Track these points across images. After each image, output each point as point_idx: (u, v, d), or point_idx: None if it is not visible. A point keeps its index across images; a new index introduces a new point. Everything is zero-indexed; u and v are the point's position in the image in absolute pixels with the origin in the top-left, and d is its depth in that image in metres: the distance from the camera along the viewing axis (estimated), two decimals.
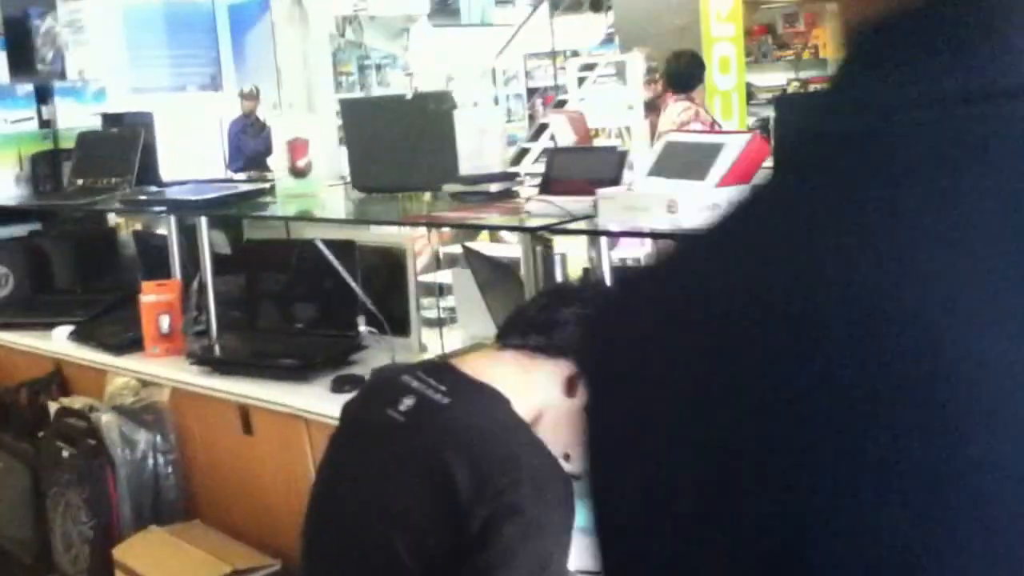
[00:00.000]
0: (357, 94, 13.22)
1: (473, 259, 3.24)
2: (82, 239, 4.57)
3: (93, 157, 4.38)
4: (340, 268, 3.28)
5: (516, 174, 3.25)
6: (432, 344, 3.47)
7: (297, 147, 3.68)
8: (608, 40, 10.97)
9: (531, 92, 12.93)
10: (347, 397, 3.04)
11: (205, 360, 3.39)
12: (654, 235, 2.38)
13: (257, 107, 9.77)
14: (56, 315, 4.23)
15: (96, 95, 4.88)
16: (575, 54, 10.88)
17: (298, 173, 3.67)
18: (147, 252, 4.19)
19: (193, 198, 3.57)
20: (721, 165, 2.40)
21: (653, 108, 7.74)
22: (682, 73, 6.78)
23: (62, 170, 4.63)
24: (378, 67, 13.46)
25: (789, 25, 10.40)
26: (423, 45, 13.25)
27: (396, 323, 3.38)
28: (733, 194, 2.39)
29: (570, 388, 1.85)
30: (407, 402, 1.82)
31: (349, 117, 3.55)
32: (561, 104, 10.13)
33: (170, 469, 3.49)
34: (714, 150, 2.43)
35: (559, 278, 2.57)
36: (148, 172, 4.28)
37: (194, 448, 3.48)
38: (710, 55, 8.10)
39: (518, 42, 12.30)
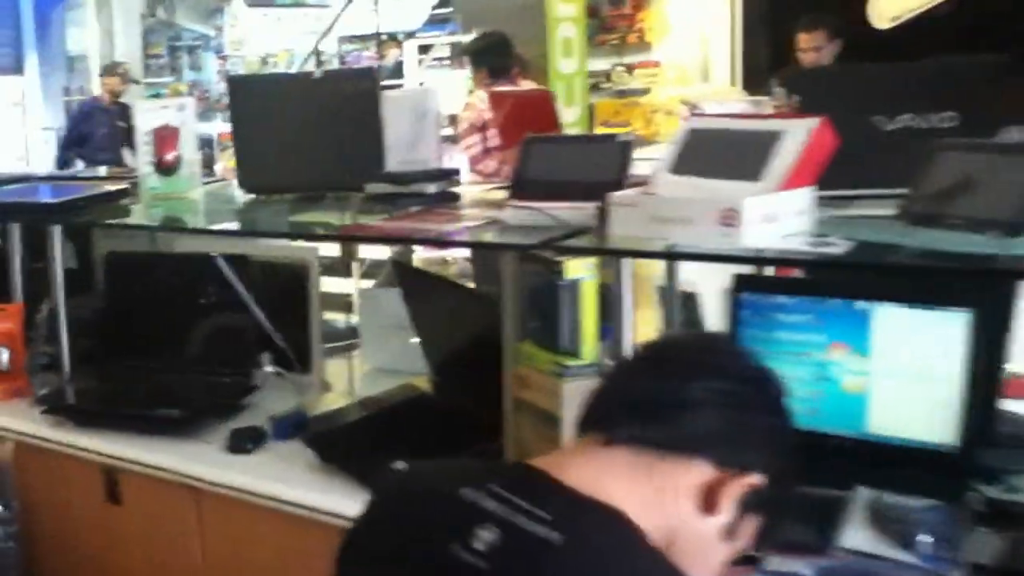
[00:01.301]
0: (167, 79, 12.33)
1: (405, 275, 2.59)
2: None
3: None
4: (240, 289, 2.60)
5: (455, 171, 2.60)
6: (336, 380, 2.83)
7: (164, 137, 2.96)
8: (436, 21, 10.36)
9: None
10: (249, 459, 2.41)
11: (58, 407, 2.66)
12: (723, 258, 1.77)
13: (126, 88, 8.79)
14: None
15: None
16: (410, 36, 10.15)
17: (166, 169, 2.95)
18: None
19: (44, 201, 2.83)
20: (781, 160, 1.81)
21: None
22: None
23: None
24: (190, 49, 12.57)
25: (614, 7, 9.98)
26: (238, 25, 12.41)
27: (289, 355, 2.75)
28: (799, 200, 1.82)
29: (709, 501, 1.24)
30: (487, 536, 1.18)
31: (238, 99, 2.85)
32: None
33: (11, 544, 2.74)
34: (768, 140, 1.84)
35: (568, 313, 1.93)
36: None
37: (43, 520, 2.76)
38: (554, 37, 7.55)
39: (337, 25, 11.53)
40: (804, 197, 1.83)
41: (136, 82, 10.20)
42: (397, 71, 9.79)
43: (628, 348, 1.99)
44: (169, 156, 2.94)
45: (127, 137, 7.95)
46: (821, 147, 1.83)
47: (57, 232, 2.85)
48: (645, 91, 8.76)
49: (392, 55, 10.49)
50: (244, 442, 2.44)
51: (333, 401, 2.70)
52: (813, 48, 5.92)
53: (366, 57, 10.98)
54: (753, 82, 7.44)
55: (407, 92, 2.65)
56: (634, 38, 9.27)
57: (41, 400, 2.75)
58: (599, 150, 2.17)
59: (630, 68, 9.27)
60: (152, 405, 2.61)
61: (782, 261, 1.73)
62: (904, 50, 6.05)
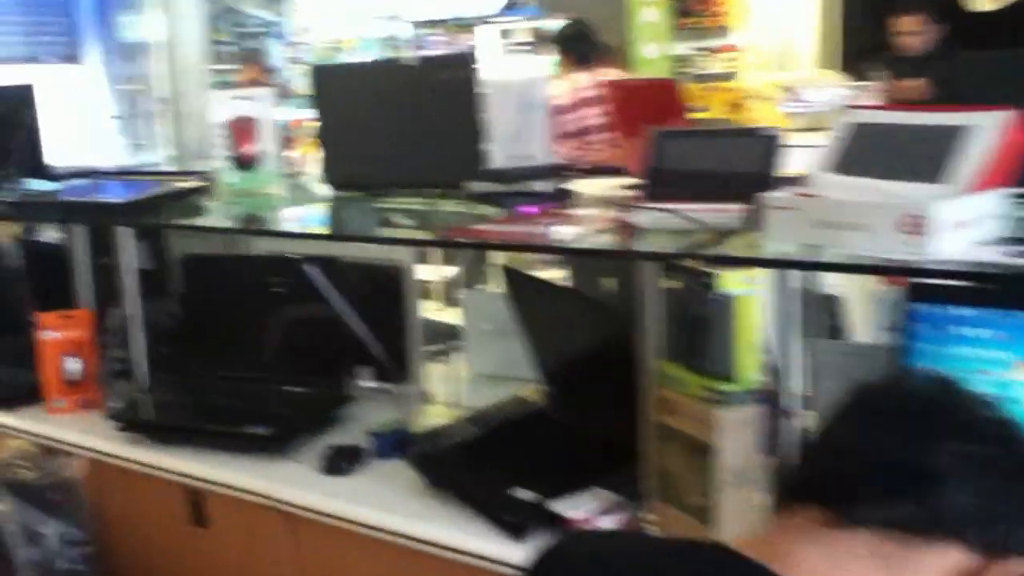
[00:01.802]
0: (233, 66, 12.11)
1: (515, 281, 2.39)
2: None
3: None
4: (333, 294, 2.42)
5: (568, 166, 2.41)
6: (436, 388, 2.65)
7: (242, 129, 2.79)
8: (512, 6, 10.14)
9: None
10: (348, 481, 2.23)
11: (136, 423, 2.49)
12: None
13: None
14: None
15: None
16: (485, 21, 9.94)
17: (244, 163, 2.78)
18: (39, 268, 3.23)
19: (113, 201, 2.65)
20: (969, 158, 1.60)
21: None
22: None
23: None
24: (256, 36, 12.36)
25: None
26: (303, 11, 12.24)
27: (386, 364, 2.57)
28: (991, 204, 1.61)
29: None
30: None
31: (322, 89, 2.66)
32: None
33: (84, 567, 2.59)
34: (951, 136, 1.64)
35: (722, 332, 1.73)
36: (31, 161, 3.31)
37: (120, 542, 2.59)
38: (636, 21, 7.35)
39: (408, 9, 11.36)
40: (997, 201, 1.63)
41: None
42: None
43: (791, 374, 1.79)
44: (248, 149, 2.76)
45: None
46: (1016, 143, 1.63)
47: (129, 234, 2.67)
48: (727, 76, 8.51)
49: (463, 41, 10.27)
50: (341, 462, 2.26)
51: (436, 414, 2.51)
52: (914, 32, 5.66)
53: (435, 43, 10.79)
54: (844, 67, 7.17)
55: (513, 81, 2.43)
56: (714, 22, 9.05)
57: (116, 415, 2.57)
58: (742, 145, 1.97)
59: (710, 52, 9.05)
60: (238, 421, 2.43)
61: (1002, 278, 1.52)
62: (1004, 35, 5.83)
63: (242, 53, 11.97)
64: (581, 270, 3.21)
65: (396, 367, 2.58)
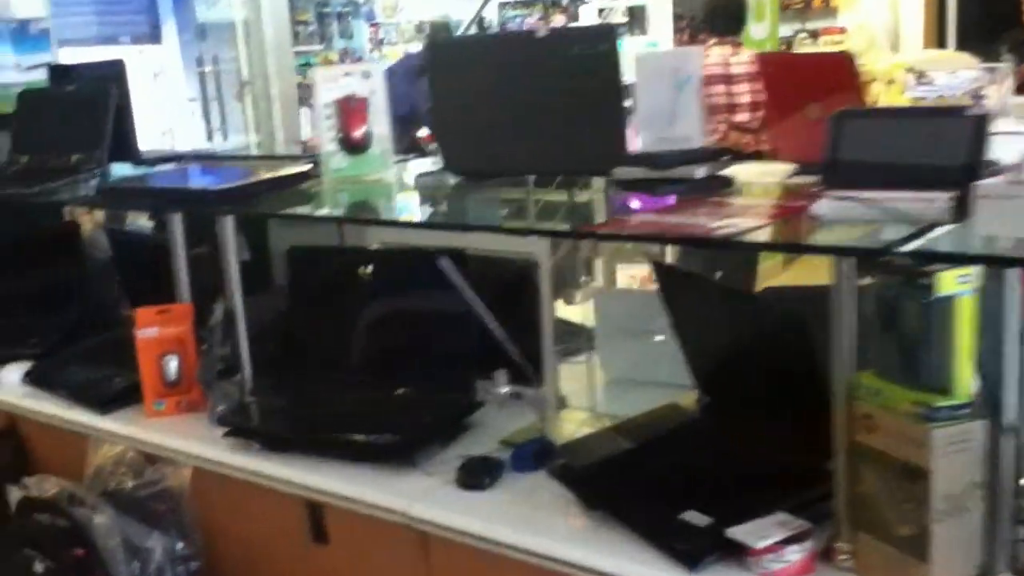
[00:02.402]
0: (317, 47, 11.96)
1: (668, 278, 2.20)
2: (30, 239, 3.43)
3: (43, 126, 3.24)
4: (465, 290, 2.25)
5: (725, 150, 2.21)
6: (569, 392, 2.46)
7: (351, 110, 2.61)
8: None
9: None
10: (485, 497, 2.06)
11: (246, 429, 2.33)
12: None
13: None
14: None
15: (35, 41, 3.72)
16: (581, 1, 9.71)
17: (353, 147, 2.60)
18: (130, 260, 3.09)
19: (215, 188, 2.48)
20: None
21: None
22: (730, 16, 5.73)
23: None
24: (339, 16, 12.18)
25: None
26: None
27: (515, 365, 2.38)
28: None
29: None
30: None
31: (441, 66, 2.48)
32: None
33: None
34: None
35: (939, 339, 1.52)
36: (121, 145, 3.15)
37: (230, 557, 2.43)
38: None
39: None
40: None
41: None
42: None
43: (1008, 385, 1.59)
44: (357, 132, 2.58)
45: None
46: None
47: (230, 223, 2.50)
48: None
49: (557, 22, 10.06)
50: (479, 476, 2.08)
51: (573, 422, 2.33)
52: None
53: (528, 24, 10.59)
54: (964, 47, 6.87)
55: (664, 55, 2.24)
56: (819, 3, 8.80)
57: (223, 420, 2.41)
58: (942, 127, 1.76)
59: (814, 34, 8.80)
60: (360, 428, 2.26)
61: None
62: None
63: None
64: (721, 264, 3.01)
65: (528, 370, 2.39)
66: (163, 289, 2.91)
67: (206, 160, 3.18)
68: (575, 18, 9.81)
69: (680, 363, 2.27)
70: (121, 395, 2.63)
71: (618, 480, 1.93)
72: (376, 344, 2.44)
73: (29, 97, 3.28)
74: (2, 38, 3.57)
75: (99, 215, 3.48)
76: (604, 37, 2.25)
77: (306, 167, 2.58)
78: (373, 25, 12.24)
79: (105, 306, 3.24)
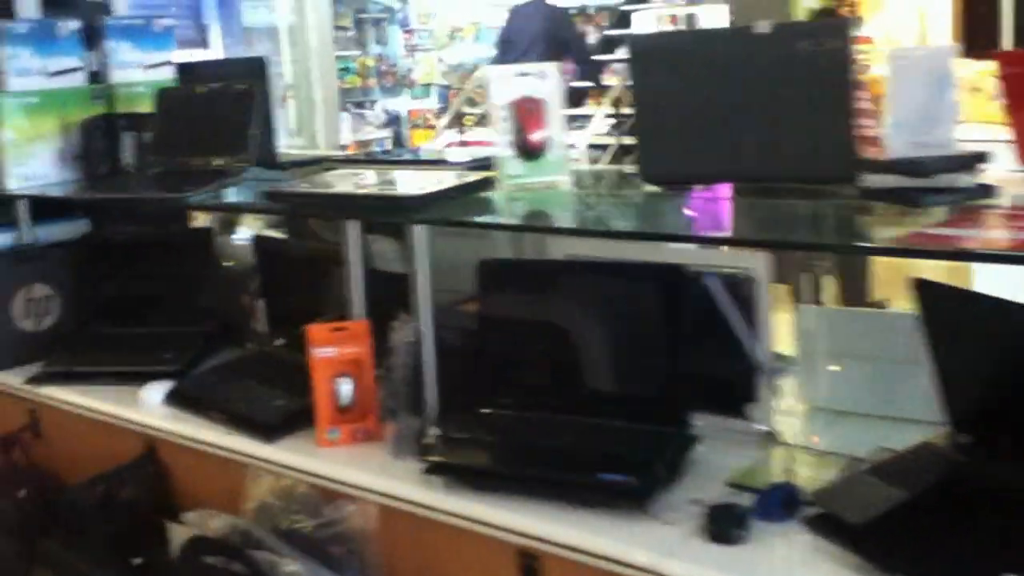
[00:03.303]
0: (354, 53, 11.75)
1: (931, 295, 1.91)
2: (159, 246, 3.18)
3: (183, 127, 2.99)
4: (729, 310, 1.98)
5: (983, 155, 1.92)
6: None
7: (529, 112, 2.34)
8: None
9: None
10: (737, 552, 1.78)
11: (447, 465, 2.06)
12: None
13: None
14: (134, 362, 2.88)
15: (158, 38, 3.47)
16: (619, 10, 9.44)
17: (531, 152, 2.33)
18: (273, 269, 2.83)
19: (409, 194, 2.22)
20: None
21: None
22: None
23: (120, 144, 3.23)
24: (376, 22, 11.99)
25: None
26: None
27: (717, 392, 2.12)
28: None
29: None
30: None
31: (643, 64, 2.20)
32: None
33: None
34: None
35: None
36: (264, 148, 2.90)
37: None
38: (797, 8, 6.84)
39: None
40: None
41: None
42: (607, 46, 9.06)
43: None
44: (535, 136, 2.32)
45: None
46: None
47: (422, 232, 2.24)
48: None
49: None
50: (728, 526, 1.81)
51: (789, 459, 2.06)
52: None
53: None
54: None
55: (919, 52, 1.96)
56: (846, 12, 8.45)
57: (421, 452, 2.15)
58: None
59: None
60: (577, 465, 1.99)
61: None
62: None
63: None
64: None
65: (740, 399, 2.12)
66: (312, 302, 2.66)
67: (350, 163, 2.91)
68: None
69: (898, 393, 2.05)
70: (287, 421, 2.36)
71: (913, 539, 1.65)
72: (578, 367, 2.16)
73: (168, 96, 3.02)
74: (123, 35, 3.29)
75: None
76: (836, 32, 1.98)
77: (491, 173, 2.32)
78: (407, 31, 12.03)
79: (239, 319, 2.99)
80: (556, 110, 2.33)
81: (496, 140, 2.33)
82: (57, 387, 2.87)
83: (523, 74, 2.34)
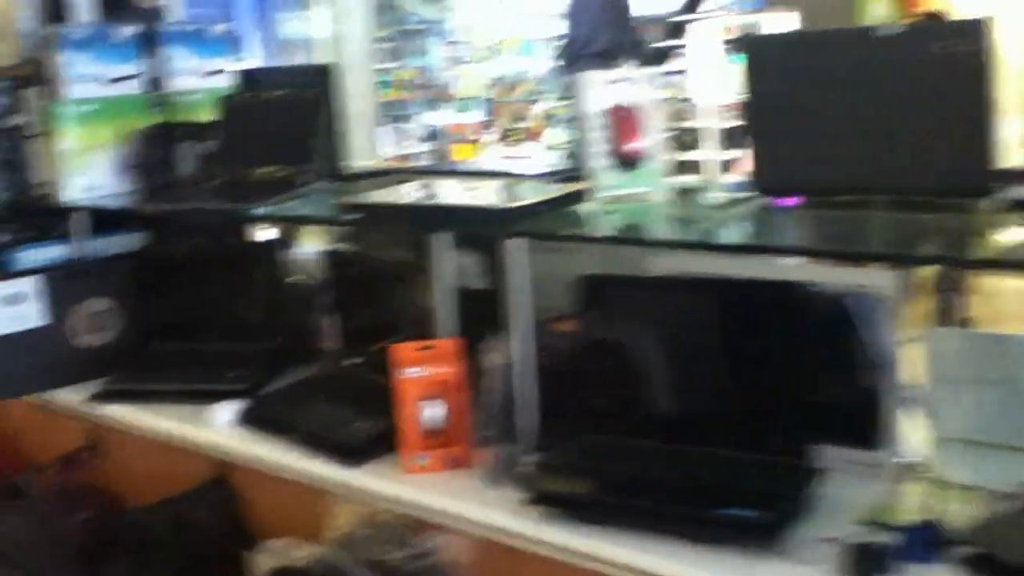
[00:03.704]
0: (393, 65, 11.60)
1: None
2: (222, 260, 3.02)
3: (247, 136, 2.85)
4: (856, 331, 1.82)
5: None
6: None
7: (624, 120, 2.19)
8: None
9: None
10: None
11: (552, 497, 1.90)
12: None
13: None
14: (200, 380, 2.72)
15: (216, 45, 3.32)
16: (675, 19, 9.18)
17: (626, 162, 2.18)
18: (353, 284, 2.67)
19: (498, 207, 2.06)
20: None
21: None
22: None
23: (178, 154, 3.08)
24: (415, 34, 11.82)
25: None
26: (464, 10, 11.66)
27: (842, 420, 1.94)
28: None
29: None
30: None
31: (759, 68, 2.04)
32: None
33: None
34: None
35: None
36: (329, 158, 2.76)
37: None
38: (864, 12, 6.66)
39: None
40: None
41: None
42: (658, 56, 8.82)
43: None
44: (631, 146, 2.16)
45: None
46: None
47: (518, 246, 2.08)
48: None
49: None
50: (872, 567, 1.64)
51: (920, 492, 1.89)
52: None
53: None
54: None
55: None
56: (924, 18, 8.24)
57: (514, 479, 1.99)
58: None
59: None
60: (697, 497, 1.82)
61: None
62: None
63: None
64: None
65: (866, 428, 1.96)
66: (388, 319, 2.51)
67: (420, 176, 2.76)
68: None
69: None
70: (371, 445, 2.20)
71: None
72: (689, 392, 2.00)
73: (230, 104, 2.87)
74: (180, 41, 3.15)
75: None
76: (971, 34, 1.82)
77: (584, 185, 2.17)
78: (448, 43, 11.86)
79: (306, 336, 2.83)
80: (653, 118, 2.18)
81: (590, 150, 2.18)
82: (120, 406, 2.71)
83: (617, 80, 2.18)
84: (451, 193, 2.32)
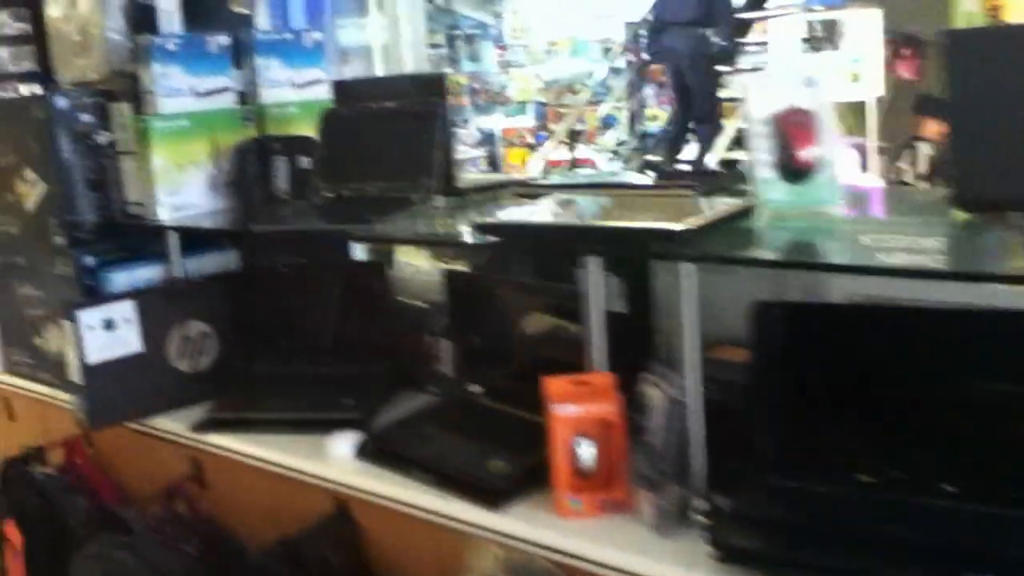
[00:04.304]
0: (446, 70, 11.36)
1: None
2: (332, 279, 2.82)
3: (353, 150, 2.64)
4: None
5: None
6: None
7: (797, 126, 1.96)
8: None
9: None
10: None
11: (754, 554, 1.67)
12: None
13: None
14: (310, 407, 2.52)
15: (308, 54, 3.11)
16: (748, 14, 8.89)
17: (796, 172, 1.96)
18: (475, 307, 2.46)
19: (672, 228, 1.84)
20: None
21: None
22: None
23: (273, 169, 2.87)
24: (468, 38, 11.60)
25: None
26: (519, 13, 11.44)
27: None
28: None
29: None
30: None
31: (962, 66, 1.79)
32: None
33: None
34: None
35: None
36: (442, 172, 2.54)
37: None
38: (956, 11, 6.40)
39: (618, 9, 10.46)
40: None
41: None
42: (725, 56, 8.53)
43: None
44: (804, 154, 1.93)
45: None
46: None
47: (690, 271, 1.85)
48: None
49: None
50: None
51: None
52: None
53: None
54: None
55: None
56: (990, 17, 7.97)
57: (704, 533, 1.76)
58: None
59: None
60: (935, 560, 1.59)
61: None
62: None
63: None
64: None
65: None
66: (514, 345, 2.29)
67: (535, 189, 2.54)
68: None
69: None
70: (514, 485, 1.99)
71: None
72: (904, 436, 1.76)
73: (334, 117, 2.66)
74: (272, 51, 2.94)
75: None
76: None
77: (753, 201, 1.94)
78: (500, 47, 11.64)
79: (416, 360, 2.62)
80: (828, 124, 1.96)
81: (753, 158, 1.96)
82: (226, 435, 2.49)
83: (788, 82, 1.96)
84: (601, 211, 2.10)
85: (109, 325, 2.62)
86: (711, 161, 7.97)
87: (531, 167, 9.08)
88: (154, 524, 2.54)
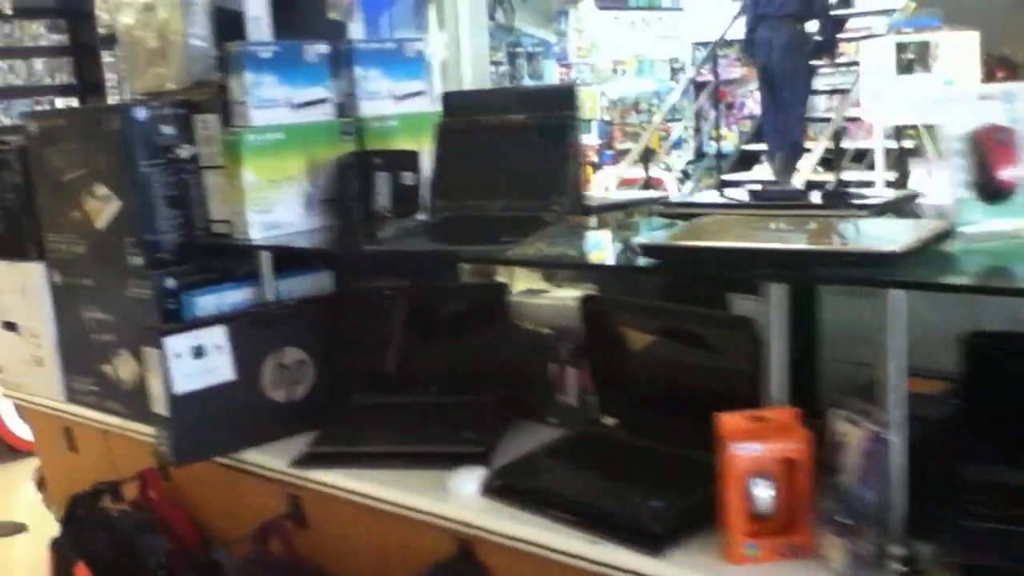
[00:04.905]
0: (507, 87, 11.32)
1: None
2: (444, 303, 2.68)
3: (468, 166, 2.51)
4: None
5: None
6: None
7: (998, 144, 1.83)
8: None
9: (698, 87, 10.81)
10: None
11: None
12: None
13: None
14: (422, 440, 2.38)
15: (409, 65, 2.99)
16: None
17: (995, 193, 1.82)
18: (614, 336, 2.32)
19: (882, 251, 1.70)
20: None
21: None
22: None
23: (374, 186, 2.74)
24: (530, 56, 11.55)
25: None
26: (585, 31, 11.40)
27: None
28: None
29: None
30: None
31: None
32: None
33: None
34: None
35: None
36: (572, 189, 2.41)
37: None
38: None
39: (684, 29, 10.44)
40: None
41: None
42: (821, 50, 8.39)
43: None
44: (1006, 174, 1.80)
45: None
46: None
47: (899, 298, 1.71)
48: None
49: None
50: None
51: None
52: None
53: (729, 63, 9.85)
54: None
55: None
56: None
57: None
58: None
59: None
60: None
61: None
62: None
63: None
64: None
65: None
66: (659, 376, 2.15)
67: (678, 208, 2.40)
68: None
69: None
70: (676, 529, 1.84)
71: None
72: None
73: (450, 130, 2.53)
74: (372, 61, 2.82)
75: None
76: None
77: (948, 224, 1.81)
78: (564, 66, 11.58)
79: (536, 390, 2.48)
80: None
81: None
82: (329, 471, 2.35)
83: (985, 96, 1.83)
84: (791, 233, 1.95)
85: (199, 352, 2.48)
86: (796, 182, 7.85)
87: (597, 185, 8.96)
88: (245, 566, 2.40)
